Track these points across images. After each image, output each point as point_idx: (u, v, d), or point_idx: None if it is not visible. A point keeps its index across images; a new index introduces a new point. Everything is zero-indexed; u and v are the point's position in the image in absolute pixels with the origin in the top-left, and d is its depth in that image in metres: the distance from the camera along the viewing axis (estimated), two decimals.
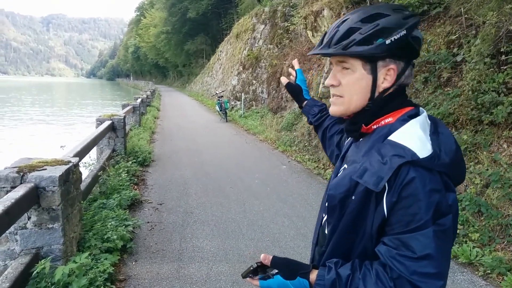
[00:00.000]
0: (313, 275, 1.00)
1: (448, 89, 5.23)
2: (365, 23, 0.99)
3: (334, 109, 1.09)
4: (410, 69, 1.03)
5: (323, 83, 8.66)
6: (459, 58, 5.14)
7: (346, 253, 1.03)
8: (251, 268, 1.07)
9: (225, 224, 4.62)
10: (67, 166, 3.11)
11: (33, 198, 2.75)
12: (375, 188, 0.92)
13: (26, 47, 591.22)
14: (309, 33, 11.01)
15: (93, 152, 6.77)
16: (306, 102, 1.63)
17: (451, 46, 5.48)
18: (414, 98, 5.70)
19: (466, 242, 3.90)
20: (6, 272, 2.54)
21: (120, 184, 5.37)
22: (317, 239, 1.21)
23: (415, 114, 1.02)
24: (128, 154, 7.33)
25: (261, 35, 16.18)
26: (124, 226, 3.94)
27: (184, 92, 39.47)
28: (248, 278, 1.09)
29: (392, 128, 1.00)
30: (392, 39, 0.96)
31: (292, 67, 1.70)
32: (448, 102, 4.97)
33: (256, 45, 16.49)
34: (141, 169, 7.02)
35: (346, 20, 1.03)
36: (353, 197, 0.99)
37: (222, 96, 16.06)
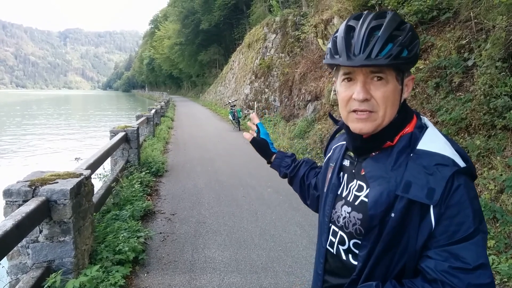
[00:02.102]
0: None
1: (460, 94, 5.16)
2: (401, 31, 0.94)
3: (364, 127, 0.98)
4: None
5: (335, 90, 8.62)
6: (470, 63, 5.07)
7: (383, 277, 0.96)
8: None
9: (237, 233, 4.62)
10: (79, 179, 3.16)
11: (45, 212, 2.80)
12: (429, 201, 0.87)
13: (44, 61, 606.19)
14: (320, 41, 11.02)
15: (108, 164, 6.88)
16: (274, 155, 1.56)
17: (462, 51, 5.41)
18: (426, 104, 5.64)
19: None
20: (17, 287, 2.58)
21: (133, 195, 5.43)
22: (323, 265, 1.14)
23: (421, 118, 1.04)
24: (142, 165, 7.41)
25: (272, 44, 16.25)
26: (136, 238, 3.98)
27: (198, 101, 39.80)
28: None
29: (414, 137, 0.97)
30: (417, 49, 0.96)
31: (253, 124, 1.62)
32: (460, 107, 4.90)
33: (267, 54, 16.57)
34: (154, 179, 7.08)
35: (377, 26, 0.94)
36: (393, 214, 0.92)
37: (234, 105, 16.16)
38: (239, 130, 14.90)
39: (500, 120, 4.36)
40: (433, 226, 0.88)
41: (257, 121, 1.60)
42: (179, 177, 7.49)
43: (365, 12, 0.99)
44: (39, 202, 2.69)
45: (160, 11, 78.11)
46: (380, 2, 7.56)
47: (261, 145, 1.56)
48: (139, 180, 6.19)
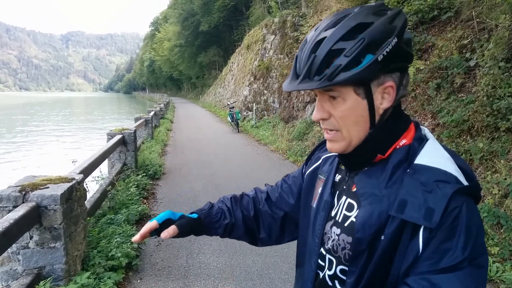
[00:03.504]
0: None
1: (462, 95, 5.07)
2: (347, 41, 0.79)
3: (334, 147, 0.90)
4: (407, 77, 0.86)
5: None
6: (472, 63, 4.99)
7: None
8: None
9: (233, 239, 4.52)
10: (70, 184, 3.08)
11: (35, 218, 2.71)
12: (428, 223, 0.74)
13: (46, 64, 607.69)
14: None
15: (105, 166, 6.80)
16: (200, 215, 1.15)
17: (464, 51, 5.33)
18: (427, 105, 5.55)
19: None
20: None
21: (129, 198, 5.34)
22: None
23: (420, 129, 0.90)
24: (139, 168, 7.32)
25: (271, 46, 16.18)
26: (130, 243, 3.89)
27: (197, 103, 39.76)
28: None
29: (412, 150, 0.85)
30: (384, 53, 0.78)
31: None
32: (462, 108, 4.81)
33: (266, 55, 16.50)
34: (151, 182, 7.00)
35: (321, 40, 0.82)
36: (383, 237, 0.81)
37: (233, 107, 16.07)
38: (238, 132, 14.81)
39: (504, 122, 4.28)
40: (420, 250, 0.76)
41: (146, 231, 1.07)
42: (176, 180, 7.40)
43: (332, 16, 0.86)
44: (28, 208, 2.61)
45: (160, 13, 78.23)
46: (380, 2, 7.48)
47: (187, 225, 1.10)
48: (136, 183, 6.10)
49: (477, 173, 4.41)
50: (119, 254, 3.54)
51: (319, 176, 1.05)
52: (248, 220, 1.20)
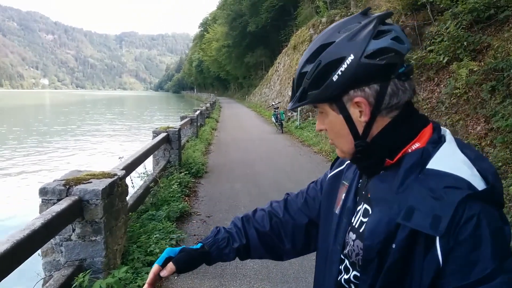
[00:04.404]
0: None
1: None
2: (310, 64, 0.85)
3: (337, 152, 0.96)
4: (394, 84, 0.83)
5: None
6: None
7: None
8: None
9: None
10: (112, 180, 3.18)
11: (77, 211, 2.83)
12: (434, 232, 0.72)
13: (101, 63, 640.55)
14: None
15: (150, 163, 7.02)
16: (204, 244, 1.12)
17: None
18: (480, 109, 5.22)
19: None
20: (47, 284, 2.62)
21: (171, 195, 5.46)
22: None
23: (439, 130, 0.86)
24: (182, 166, 7.48)
25: None
26: (168, 239, 3.97)
27: (243, 103, 40.11)
28: None
29: (425, 154, 0.81)
30: (339, 72, 0.81)
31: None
32: None
33: None
34: (193, 180, 7.12)
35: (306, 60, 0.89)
36: (394, 246, 0.78)
37: (278, 108, 16.03)
38: (282, 132, 14.76)
39: None
40: (441, 263, 0.72)
41: (152, 277, 1.05)
42: (218, 179, 7.48)
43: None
44: (71, 202, 2.72)
45: (209, 14, 79.74)
46: (431, 0, 7.15)
47: (186, 259, 1.07)
48: (178, 180, 6.23)
49: None
50: (158, 250, 3.62)
51: (343, 182, 1.04)
52: (265, 236, 1.16)
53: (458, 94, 6.02)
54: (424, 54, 7.56)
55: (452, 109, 6.05)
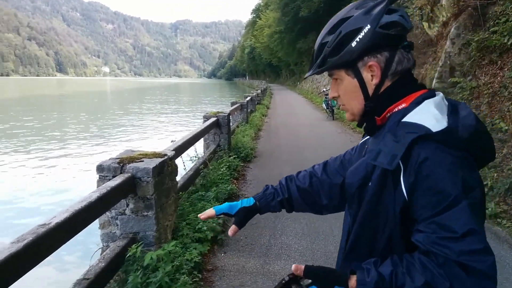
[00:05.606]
0: (352, 281, 0.92)
1: None
2: (331, 35, 1.01)
3: (347, 117, 1.12)
4: (401, 53, 0.99)
5: (437, 78, 7.88)
6: None
7: (370, 243, 1.00)
8: (283, 281, 0.98)
9: (316, 223, 4.51)
10: (162, 159, 3.34)
11: (130, 187, 3.01)
12: (389, 166, 0.89)
13: (157, 51, 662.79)
14: (425, 24, 10.13)
15: (201, 147, 7.25)
16: (256, 200, 1.31)
17: None
18: None
19: None
20: (104, 253, 2.83)
21: (220, 178, 5.61)
22: (345, 242, 1.14)
23: (430, 96, 0.98)
24: (232, 150, 7.64)
25: None
26: (216, 218, 4.11)
27: (295, 90, 39.86)
28: None
29: (406, 112, 0.96)
30: (357, 39, 0.97)
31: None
32: None
33: None
34: (242, 164, 7.25)
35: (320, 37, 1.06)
36: (370, 184, 0.98)
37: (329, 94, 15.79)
38: (333, 119, 14.53)
39: None
40: (406, 195, 0.89)
41: (212, 212, 1.29)
42: (266, 164, 7.57)
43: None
44: (124, 178, 2.90)
45: (262, 0, 79.38)
46: None
47: (245, 215, 1.29)
48: (227, 164, 6.38)
49: None
50: (205, 228, 3.77)
51: (366, 146, 1.18)
52: (305, 192, 1.33)
53: None
54: (486, 36, 7.06)
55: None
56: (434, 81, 8.14)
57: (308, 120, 14.84)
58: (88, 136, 16.50)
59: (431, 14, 9.76)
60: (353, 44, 0.97)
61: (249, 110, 13.57)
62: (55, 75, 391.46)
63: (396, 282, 0.86)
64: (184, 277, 2.87)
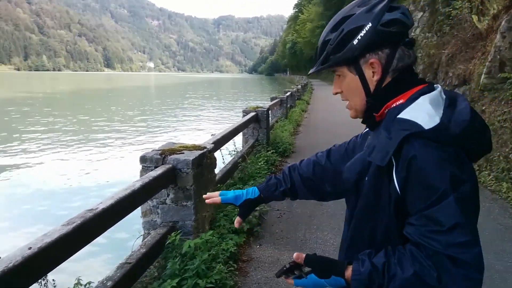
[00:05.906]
0: (348, 271, 0.98)
1: None
2: (333, 32, 1.04)
3: (350, 114, 1.14)
4: (402, 50, 1.01)
5: (486, 73, 7.53)
6: None
7: (369, 235, 1.04)
8: (285, 268, 1.04)
9: None
10: (201, 152, 3.45)
11: (171, 178, 3.14)
12: (381, 162, 0.93)
13: (200, 47, 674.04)
14: (474, 17, 9.68)
15: (240, 141, 7.37)
16: (259, 190, 1.38)
17: None
18: None
19: None
20: (145, 240, 2.99)
21: (257, 172, 5.69)
22: (347, 234, 1.19)
23: (428, 91, 0.99)
24: (270, 145, 7.70)
25: (418, 23, 14.90)
26: (253, 210, 4.19)
27: None
28: (283, 277, 1.06)
29: (402, 108, 0.98)
30: (359, 37, 0.99)
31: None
32: None
33: (412, 34, 15.29)
34: (280, 159, 7.30)
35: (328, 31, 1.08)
36: (366, 179, 1.02)
37: None
38: None
39: None
40: (398, 190, 0.92)
41: (218, 200, 1.37)
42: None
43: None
44: (165, 169, 3.04)
45: None
46: None
47: (249, 206, 1.38)
48: (265, 158, 6.45)
49: None
50: None
51: (369, 136, 1.21)
52: (308, 180, 1.37)
53: None
54: None
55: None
56: (483, 76, 7.78)
57: (347, 116, 14.37)
58: (133, 129, 17.19)
59: (481, 7, 9.31)
60: (355, 41, 1.00)
61: (288, 106, 13.56)
62: (103, 70, 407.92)
63: (389, 272, 0.91)
64: (220, 266, 2.96)
